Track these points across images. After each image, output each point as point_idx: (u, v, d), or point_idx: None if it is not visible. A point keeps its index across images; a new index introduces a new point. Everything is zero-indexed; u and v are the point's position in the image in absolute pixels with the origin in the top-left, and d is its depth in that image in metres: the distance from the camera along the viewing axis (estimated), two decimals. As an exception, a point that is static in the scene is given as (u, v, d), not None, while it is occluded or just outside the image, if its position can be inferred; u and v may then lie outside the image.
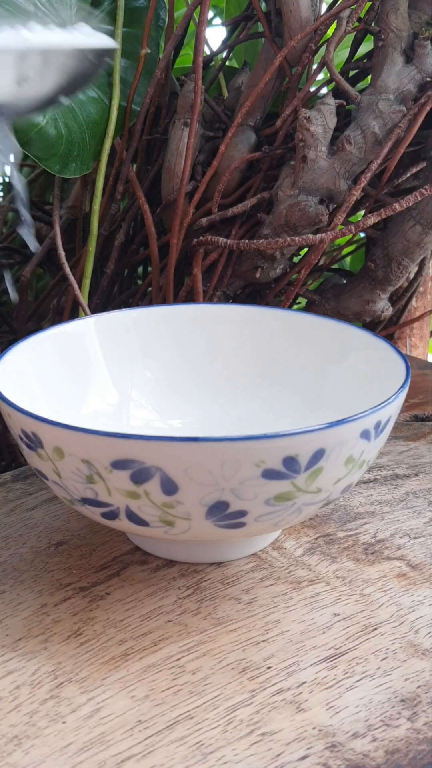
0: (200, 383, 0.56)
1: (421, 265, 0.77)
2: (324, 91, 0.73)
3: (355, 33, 0.70)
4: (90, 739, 0.37)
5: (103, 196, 0.71)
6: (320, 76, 0.74)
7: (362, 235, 0.81)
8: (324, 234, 0.63)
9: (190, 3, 0.68)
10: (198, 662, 0.41)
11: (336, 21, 0.65)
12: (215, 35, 1.19)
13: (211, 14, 0.84)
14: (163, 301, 0.71)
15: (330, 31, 0.68)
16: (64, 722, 0.38)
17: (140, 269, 0.84)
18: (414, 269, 0.75)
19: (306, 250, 0.72)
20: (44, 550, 0.49)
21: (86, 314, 0.67)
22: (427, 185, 0.62)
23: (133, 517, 0.42)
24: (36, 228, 0.86)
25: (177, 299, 0.71)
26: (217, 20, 0.86)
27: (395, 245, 0.69)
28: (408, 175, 0.69)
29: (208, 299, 0.71)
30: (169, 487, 0.40)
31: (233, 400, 0.56)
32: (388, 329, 0.79)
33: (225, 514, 0.41)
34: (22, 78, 0.39)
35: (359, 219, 0.68)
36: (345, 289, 0.74)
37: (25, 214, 0.45)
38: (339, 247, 0.81)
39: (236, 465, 0.39)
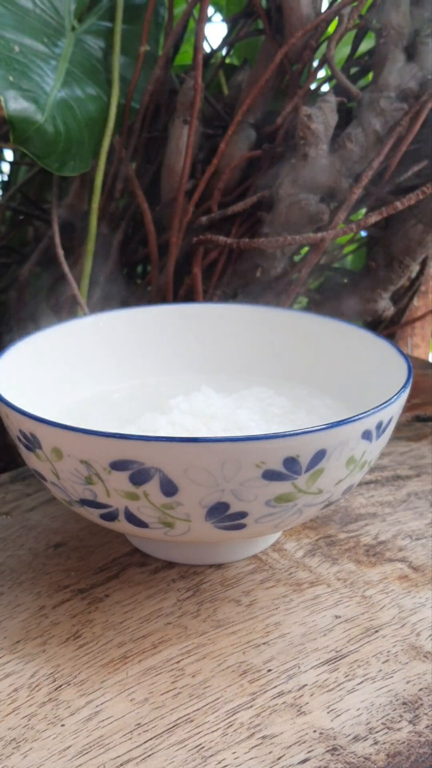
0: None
1: (423, 264, 0.77)
2: (325, 88, 0.72)
3: (356, 30, 0.69)
4: (89, 742, 0.36)
5: (102, 195, 0.71)
6: (321, 74, 0.74)
7: (363, 233, 0.81)
8: (325, 233, 0.63)
9: (189, 0, 0.68)
10: (198, 665, 0.40)
11: (337, 18, 0.64)
12: (215, 32, 1.19)
13: (211, 11, 0.84)
14: (163, 300, 0.71)
15: (331, 28, 0.68)
16: (62, 725, 0.37)
17: (139, 268, 0.84)
18: (416, 268, 0.74)
19: (307, 248, 0.71)
20: (42, 551, 0.49)
21: (85, 313, 0.67)
22: (429, 183, 0.62)
23: (132, 518, 0.41)
24: (34, 227, 0.86)
25: (176, 298, 0.71)
26: (217, 17, 0.86)
27: (397, 244, 0.69)
28: (410, 173, 0.68)
29: (208, 298, 0.70)
30: (169, 488, 0.39)
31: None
32: (390, 329, 0.79)
33: (225, 516, 0.40)
34: None
35: (360, 217, 0.68)
36: (346, 288, 0.73)
37: None
38: (340, 246, 0.80)
39: (236, 466, 0.39)
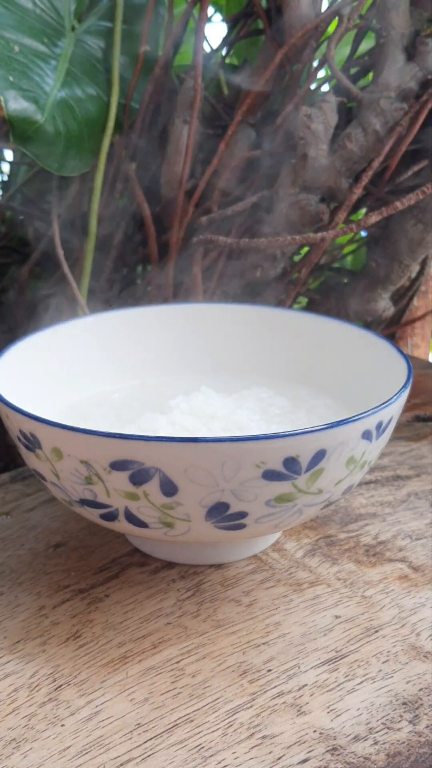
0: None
1: (423, 263, 0.77)
2: (325, 88, 0.72)
3: (356, 30, 0.69)
4: (89, 743, 0.36)
5: (101, 195, 0.71)
6: (321, 74, 0.74)
7: (363, 233, 0.81)
8: (325, 233, 0.63)
9: (189, 0, 0.68)
10: (198, 665, 0.40)
11: (337, 18, 0.64)
12: (215, 32, 1.19)
13: (211, 11, 0.84)
14: (163, 301, 0.71)
15: (331, 28, 0.68)
16: (62, 725, 0.37)
17: (139, 268, 0.84)
18: (416, 268, 0.74)
19: (307, 248, 0.71)
20: (42, 551, 0.49)
21: (85, 313, 0.67)
22: (429, 183, 0.62)
23: (132, 518, 0.41)
24: (34, 227, 0.86)
25: (176, 298, 0.71)
26: (217, 17, 0.86)
27: (397, 244, 0.69)
28: (410, 173, 0.68)
29: (208, 298, 0.70)
30: (169, 488, 0.39)
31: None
32: (390, 329, 0.79)
33: (225, 516, 0.40)
34: None
35: (360, 217, 0.68)
36: (346, 288, 0.73)
37: None
38: (340, 246, 0.80)
39: (236, 466, 0.39)
